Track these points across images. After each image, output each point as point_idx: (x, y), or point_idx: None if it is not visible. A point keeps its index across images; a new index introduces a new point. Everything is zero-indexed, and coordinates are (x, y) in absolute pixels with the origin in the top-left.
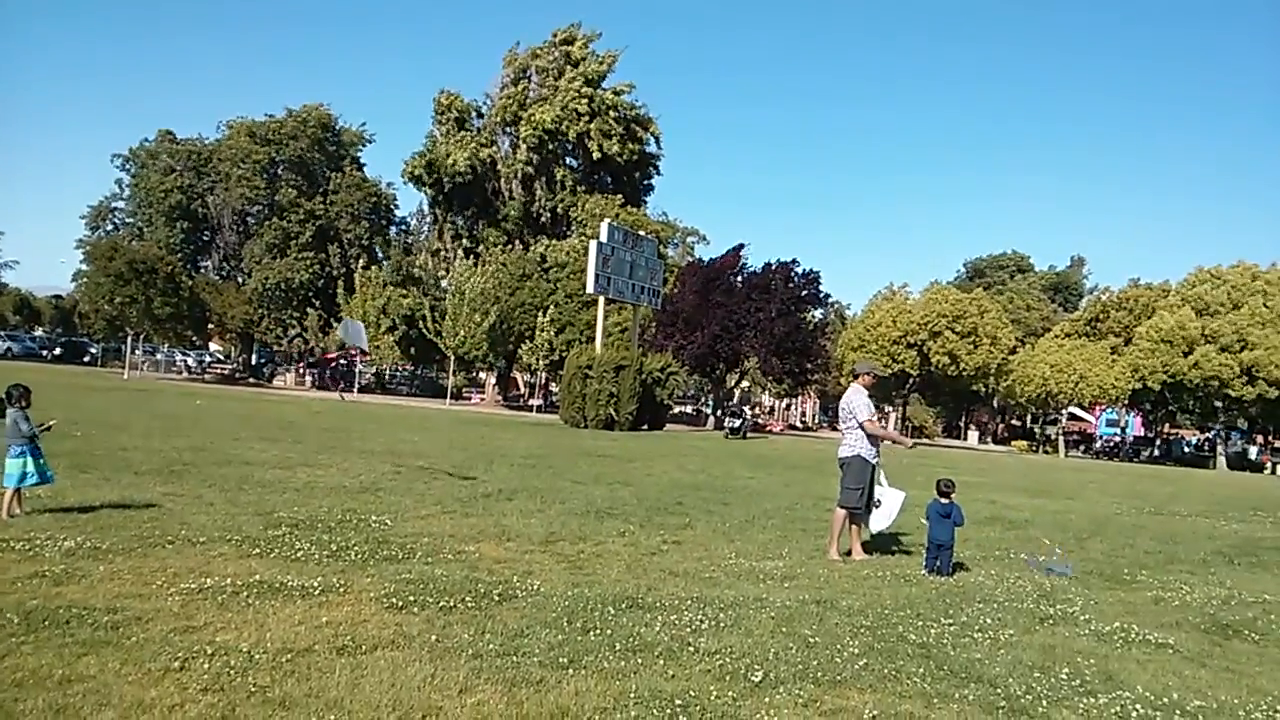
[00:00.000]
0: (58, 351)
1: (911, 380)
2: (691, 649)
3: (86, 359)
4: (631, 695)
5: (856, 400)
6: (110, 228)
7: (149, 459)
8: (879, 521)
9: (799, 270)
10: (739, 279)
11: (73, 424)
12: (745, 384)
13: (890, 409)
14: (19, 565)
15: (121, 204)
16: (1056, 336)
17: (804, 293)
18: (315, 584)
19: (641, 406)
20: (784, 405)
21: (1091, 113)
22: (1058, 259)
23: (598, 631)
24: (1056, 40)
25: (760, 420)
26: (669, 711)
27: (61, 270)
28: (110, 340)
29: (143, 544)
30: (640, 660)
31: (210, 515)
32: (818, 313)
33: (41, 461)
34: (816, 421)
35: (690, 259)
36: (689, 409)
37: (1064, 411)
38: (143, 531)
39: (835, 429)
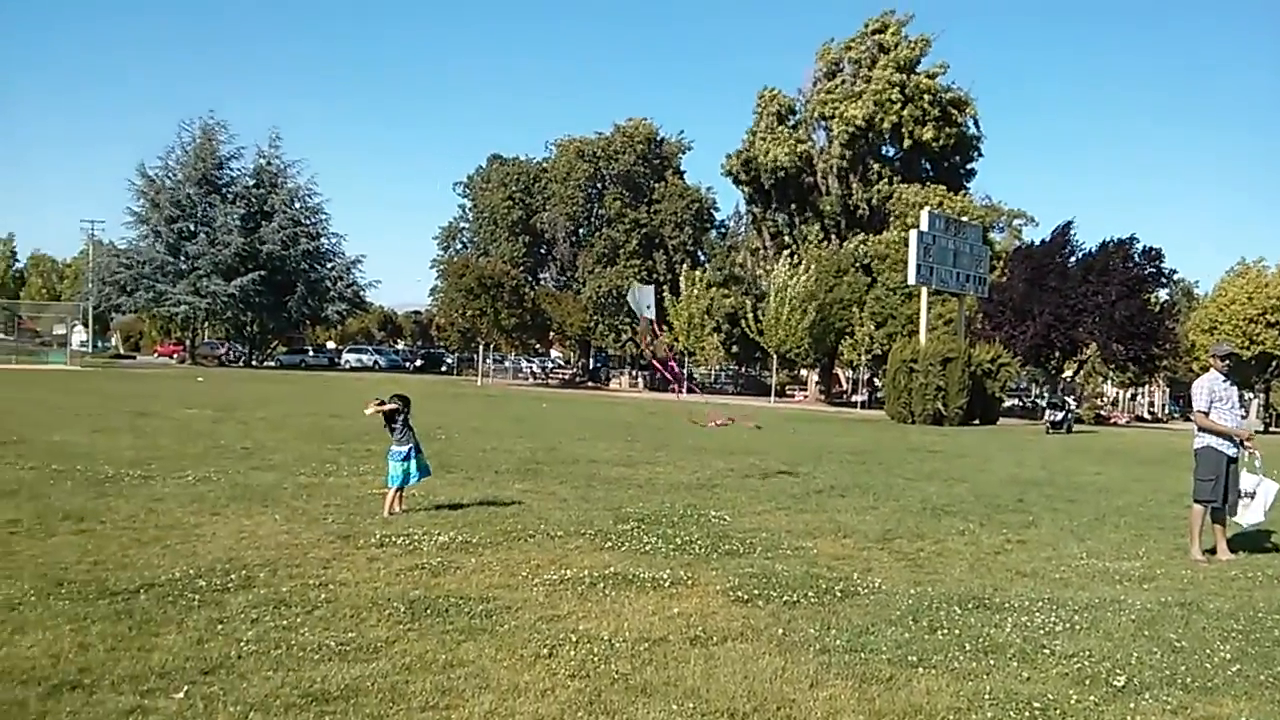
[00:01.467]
0: (418, 363)
1: (1275, 362)
2: (1046, 651)
3: (443, 368)
4: (986, 696)
5: (1198, 388)
6: (459, 247)
7: (506, 459)
8: (1250, 515)
9: (1139, 248)
10: (1072, 261)
11: (437, 428)
12: (1068, 373)
13: (1251, 395)
14: (401, 558)
15: (467, 225)
16: None
17: (1146, 272)
18: (664, 576)
19: (971, 400)
20: (1129, 395)
21: None
22: None
23: (945, 631)
24: None
25: (1103, 412)
26: (1026, 714)
27: (419, 288)
28: (464, 350)
29: (507, 538)
30: (992, 661)
31: (565, 511)
32: (1162, 293)
33: (422, 459)
34: (1166, 411)
35: (1018, 243)
36: (1022, 402)
37: None
38: (506, 526)
39: (1188, 419)
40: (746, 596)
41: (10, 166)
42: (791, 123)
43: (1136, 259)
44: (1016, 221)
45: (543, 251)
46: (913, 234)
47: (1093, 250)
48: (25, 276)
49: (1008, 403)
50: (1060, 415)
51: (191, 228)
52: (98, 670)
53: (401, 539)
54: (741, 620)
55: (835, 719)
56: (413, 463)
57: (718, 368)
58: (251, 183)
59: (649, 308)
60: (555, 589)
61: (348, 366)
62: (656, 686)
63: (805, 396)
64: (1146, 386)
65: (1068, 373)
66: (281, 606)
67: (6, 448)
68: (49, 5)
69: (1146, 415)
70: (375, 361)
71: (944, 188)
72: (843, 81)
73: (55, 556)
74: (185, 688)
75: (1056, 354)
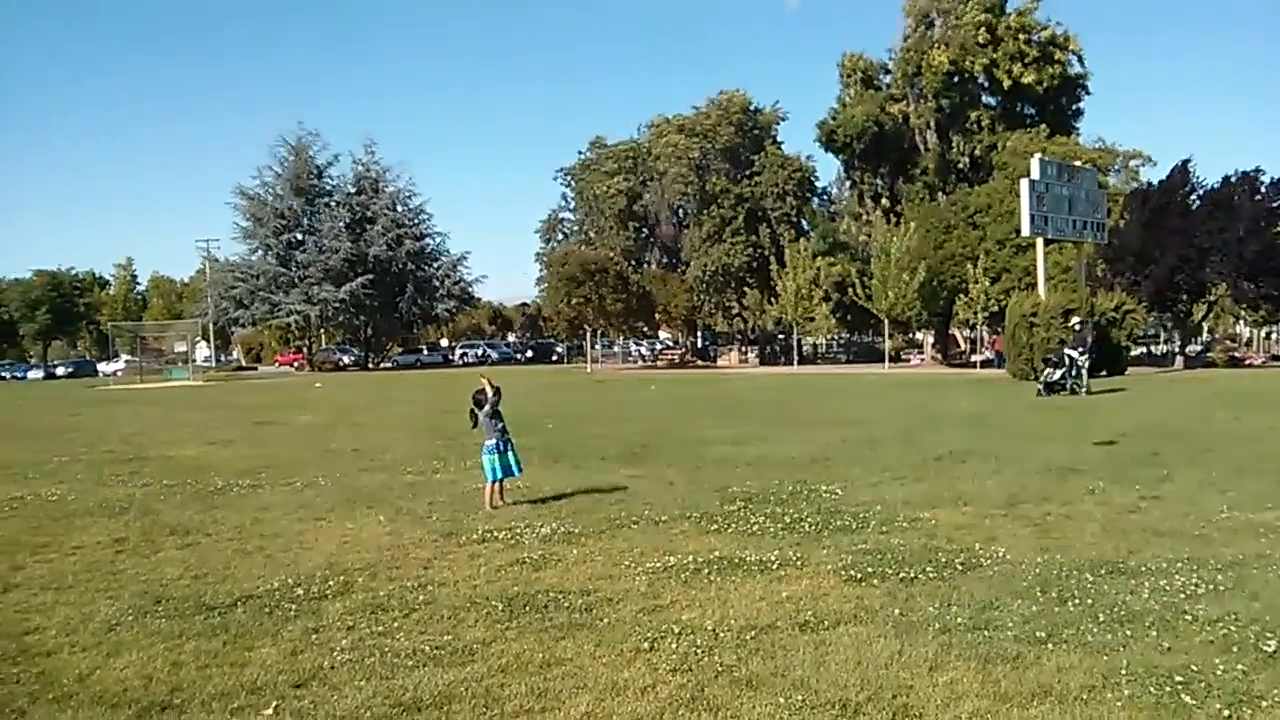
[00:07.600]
0: (529, 354)
1: None
2: (1188, 617)
3: (554, 358)
4: (1122, 671)
5: None
6: (560, 237)
7: (613, 444)
8: None
9: (1265, 180)
10: (1194, 199)
11: (546, 418)
12: (1076, 320)
13: None
14: (502, 554)
15: (569, 214)
16: None
17: (1275, 205)
18: (773, 558)
19: (1097, 351)
20: (1263, 334)
21: None
22: None
23: (1076, 601)
24: None
25: (1237, 353)
26: (1167, 688)
27: (524, 280)
28: (572, 339)
29: (611, 526)
30: (1129, 632)
31: (671, 494)
32: None
33: (512, 455)
34: None
35: (1135, 184)
36: (1150, 350)
37: None
38: (610, 514)
39: None
40: (860, 575)
41: (127, 192)
42: (882, 83)
43: (1264, 191)
44: (1133, 163)
45: (646, 234)
46: (1024, 183)
47: (1215, 186)
48: (147, 299)
49: (1135, 351)
50: (1058, 374)
51: (299, 237)
52: (189, 689)
53: (504, 533)
54: (855, 601)
55: (956, 705)
56: (510, 454)
57: (829, 337)
58: (353, 189)
59: None
60: (658, 577)
61: (463, 362)
62: (763, 678)
63: (922, 360)
64: None
65: (1076, 319)
66: (379, 611)
67: (122, 465)
68: (147, 39)
69: None
70: (487, 355)
71: (1048, 130)
72: (929, 35)
73: (158, 573)
74: (274, 703)
75: (1184, 297)
